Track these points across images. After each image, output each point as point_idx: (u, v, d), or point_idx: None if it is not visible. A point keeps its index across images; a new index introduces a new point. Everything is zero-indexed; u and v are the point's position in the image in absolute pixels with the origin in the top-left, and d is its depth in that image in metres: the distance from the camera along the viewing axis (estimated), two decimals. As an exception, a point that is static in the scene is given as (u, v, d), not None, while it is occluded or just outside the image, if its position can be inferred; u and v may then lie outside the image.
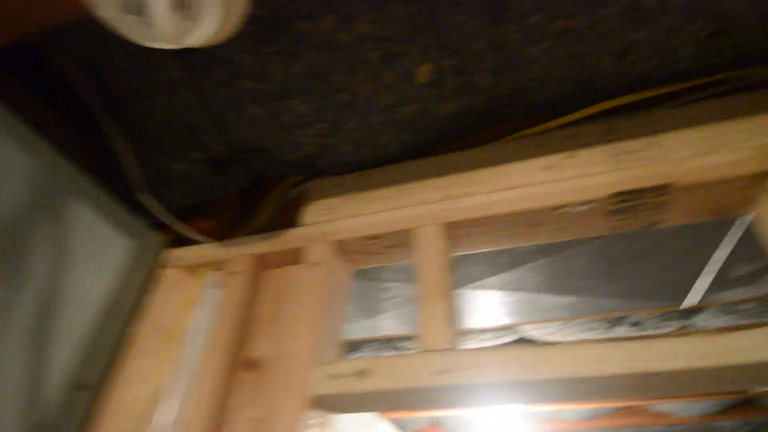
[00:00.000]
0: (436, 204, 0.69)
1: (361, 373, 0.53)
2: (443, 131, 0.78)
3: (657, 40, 0.63)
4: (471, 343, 1.33)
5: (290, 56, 0.66)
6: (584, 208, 0.64)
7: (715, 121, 0.64)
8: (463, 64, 0.68)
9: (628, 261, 0.93)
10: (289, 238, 0.74)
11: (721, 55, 0.66)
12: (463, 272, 1.01)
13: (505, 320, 1.24)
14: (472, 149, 0.75)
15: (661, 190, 0.60)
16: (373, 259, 0.75)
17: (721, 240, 0.84)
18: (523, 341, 1.38)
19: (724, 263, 0.94)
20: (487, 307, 1.17)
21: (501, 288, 1.07)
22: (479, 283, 1.03)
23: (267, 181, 0.83)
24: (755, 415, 2.22)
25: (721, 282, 1.01)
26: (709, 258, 0.89)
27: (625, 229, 0.68)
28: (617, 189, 0.61)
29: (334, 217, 0.74)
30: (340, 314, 0.69)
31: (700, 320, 1.35)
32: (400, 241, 0.71)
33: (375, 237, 0.71)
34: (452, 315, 0.58)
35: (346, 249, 0.73)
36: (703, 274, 0.96)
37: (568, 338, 1.38)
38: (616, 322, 1.24)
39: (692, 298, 1.09)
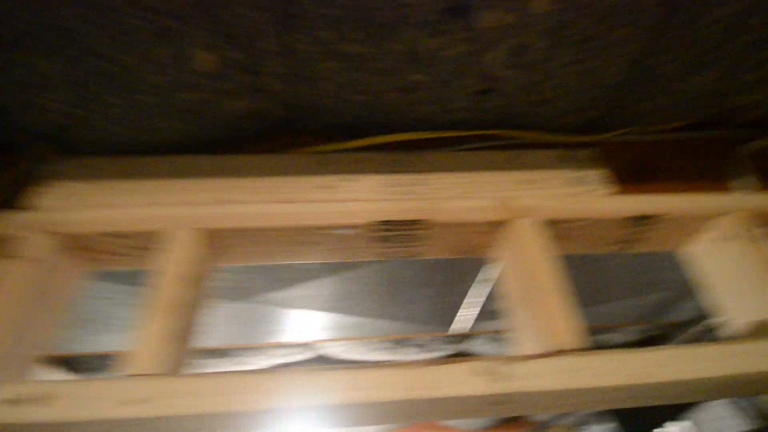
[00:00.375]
0: (200, 207, 0.62)
1: (35, 400, 0.43)
2: (233, 130, 0.72)
3: (433, 86, 0.67)
4: (263, 360, 1.27)
5: (36, 3, 0.53)
6: (350, 231, 0.64)
7: (474, 170, 0.71)
8: (253, 63, 0.63)
9: (406, 287, 1.00)
10: (5, 224, 0.59)
11: (489, 113, 0.74)
12: (247, 285, 0.95)
13: (297, 337, 1.21)
14: (258, 155, 0.71)
15: (417, 224, 0.63)
16: (118, 260, 0.64)
17: (475, 276, 0.96)
18: (321, 359, 1.38)
19: (488, 297, 1.07)
20: (279, 322, 1.13)
21: (291, 305, 1.04)
22: (264, 297, 0.99)
23: (-6, 148, 0.66)
24: (525, 428, 2.65)
25: (485, 312, 1.15)
26: (467, 291, 1.01)
27: (392, 257, 0.71)
28: (381, 218, 0.63)
29: (73, 205, 0.61)
30: (48, 324, 0.56)
31: (476, 345, 1.53)
32: (152, 243, 0.62)
33: (119, 235, 0.60)
34: (179, 335, 0.51)
35: (80, 245, 0.60)
36: (465, 305, 1.08)
37: (364, 357, 1.42)
38: (404, 342, 1.32)
39: (463, 325, 1.23)
